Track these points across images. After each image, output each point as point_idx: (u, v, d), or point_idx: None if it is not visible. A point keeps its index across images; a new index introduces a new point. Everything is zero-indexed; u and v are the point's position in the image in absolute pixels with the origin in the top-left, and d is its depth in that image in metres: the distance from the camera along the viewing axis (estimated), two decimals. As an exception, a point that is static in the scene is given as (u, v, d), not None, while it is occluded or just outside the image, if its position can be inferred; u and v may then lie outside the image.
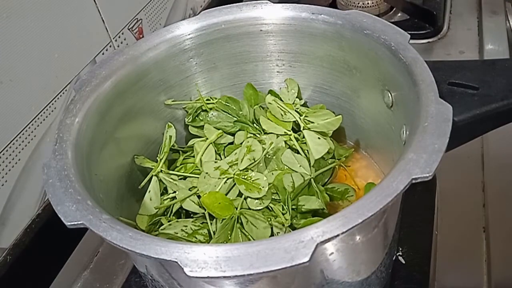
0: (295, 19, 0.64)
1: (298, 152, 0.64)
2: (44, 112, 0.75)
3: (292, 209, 0.58)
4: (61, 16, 0.77)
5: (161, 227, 0.59)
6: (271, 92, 0.72)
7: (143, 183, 0.63)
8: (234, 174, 0.61)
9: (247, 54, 0.69)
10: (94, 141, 0.56)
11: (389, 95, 0.57)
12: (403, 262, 0.66)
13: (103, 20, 0.86)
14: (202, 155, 0.65)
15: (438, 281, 0.64)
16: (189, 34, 0.66)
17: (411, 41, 0.54)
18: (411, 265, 0.65)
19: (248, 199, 0.59)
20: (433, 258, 0.66)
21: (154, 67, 0.64)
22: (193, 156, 0.67)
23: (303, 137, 0.65)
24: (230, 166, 0.62)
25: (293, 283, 0.48)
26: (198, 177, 0.63)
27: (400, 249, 0.67)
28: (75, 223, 0.44)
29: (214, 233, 0.58)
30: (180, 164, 0.67)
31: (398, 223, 0.59)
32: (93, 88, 0.58)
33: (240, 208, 0.58)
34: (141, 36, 0.96)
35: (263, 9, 0.66)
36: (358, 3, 1.12)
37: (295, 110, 0.67)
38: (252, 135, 0.67)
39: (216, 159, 0.66)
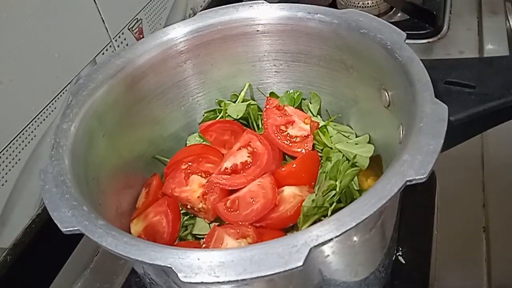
0: (292, 19, 0.64)
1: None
2: (44, 112, 0.76)
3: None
4: (61, 16, 0.77)
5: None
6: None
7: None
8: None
9: (244, 54, 0.69)
10: (91, 146, 0.56)
11: (386, 94, 0.57)
12: (403, 262, 0.66)
13: (103, 20, 0.86)
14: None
15: (438, 281, 0.63)
16: (185, 36, 0.66)
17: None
18: (411, 265, 0.65)
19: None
20: (433, 258, 0.66)
21: (151, 69, 0.64)
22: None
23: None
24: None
25: (290, 283, 0.48)
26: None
27: (400, 249, 0.66)
28: (71, 229, 0.44)
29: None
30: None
31: (396, 224, 0.58)
32: (90, 92, 0.58)
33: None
34: (141, 36, 0.96)
35: (259, 9, 0.66)
36: (358, 3, 1.11)
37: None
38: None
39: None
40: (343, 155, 0.64)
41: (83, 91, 0.58)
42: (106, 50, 0.87)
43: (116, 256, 0.42)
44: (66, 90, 0.79)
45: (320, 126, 0.68)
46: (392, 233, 0.57)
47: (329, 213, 0.58)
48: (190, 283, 0.39)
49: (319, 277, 0.49)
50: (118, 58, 0.62)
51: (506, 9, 1.07)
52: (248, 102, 0.72)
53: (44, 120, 0.76)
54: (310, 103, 0.71)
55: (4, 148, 0.70)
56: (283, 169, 0.63)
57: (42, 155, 0.76)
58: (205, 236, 0.61)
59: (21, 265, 0.73)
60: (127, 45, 0.93)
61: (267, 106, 0.70)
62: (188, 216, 0.65)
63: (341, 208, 0.44)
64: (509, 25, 1.04)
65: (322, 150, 0.66)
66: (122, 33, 0.91)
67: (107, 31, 0.87)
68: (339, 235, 0.39)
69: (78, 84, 0.59)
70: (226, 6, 0.67)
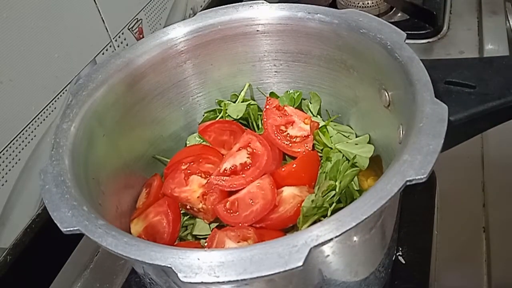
0: (291, 18, 0.64)
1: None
2: (44, 112, 0.76)
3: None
4: (61, 16, 0.77)
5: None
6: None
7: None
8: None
9: (244, 54, 0.69)
10: (91, 146, 0.56)
11: (386, 94, 0.57)
12: (403, 262, 0.65)
13: (103, 20, 0.86)
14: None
15: (438, 281, 0.63)
16: (185, 36, 0.66)
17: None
18: (411, 265, 0.65)
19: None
20: (433, 258, 0.66)
21: (151, 69, 0.64)
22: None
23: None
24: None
25: (290, 283, 0.48)
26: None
27: (400, 249, 0.66)
28: (71, 229, 0.44)
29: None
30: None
31: (396, 224, 0.58)
32: (90, 92, 0.58)
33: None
34: (141, 36, 0.96)
35: (259, 9, 0.66)
36: (358, 3, 1.11)
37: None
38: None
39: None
40: (343, 155, 0.64)
41: (83, 91, 0.58)
42: (106, 50, 0.87)
43: (116, 256, 0.42)
44: (66, 90, 0.79)
45: (320, 126, 0.68)
46: (392, 233, 0.57)
47: (329, 213, 0.58)
48: (190, 283, 0.39)
49: (319, 277, 0.49)
50: (118, 58, 0.62)
51: (506, 9, 1.07)
52: (248, 102, 0.72)
53: (44, 120, 0.76)
54: (310, 103, 0.71)
55: (4, 148, 0.70)
56: (283, 169, 0.63)
57: (42, 155, 0.76)
58: (205, 236, 0.61)
59: (21, 265, 0.73)
60: (127, 45, 0.93)
61: (267, 106, 0.70)
62: (188, 217, 0.65)
63: (341, 208, 0.44)
64: (509, 25, 1.04)
65: (322, 150, 0.66)
66: (122, 33, 0.91)
67: (107, 31, 0.88)
68: (339, 235, 0.39)
69: (78, 84, 0.59)
70: (226, 6, 0.67)
